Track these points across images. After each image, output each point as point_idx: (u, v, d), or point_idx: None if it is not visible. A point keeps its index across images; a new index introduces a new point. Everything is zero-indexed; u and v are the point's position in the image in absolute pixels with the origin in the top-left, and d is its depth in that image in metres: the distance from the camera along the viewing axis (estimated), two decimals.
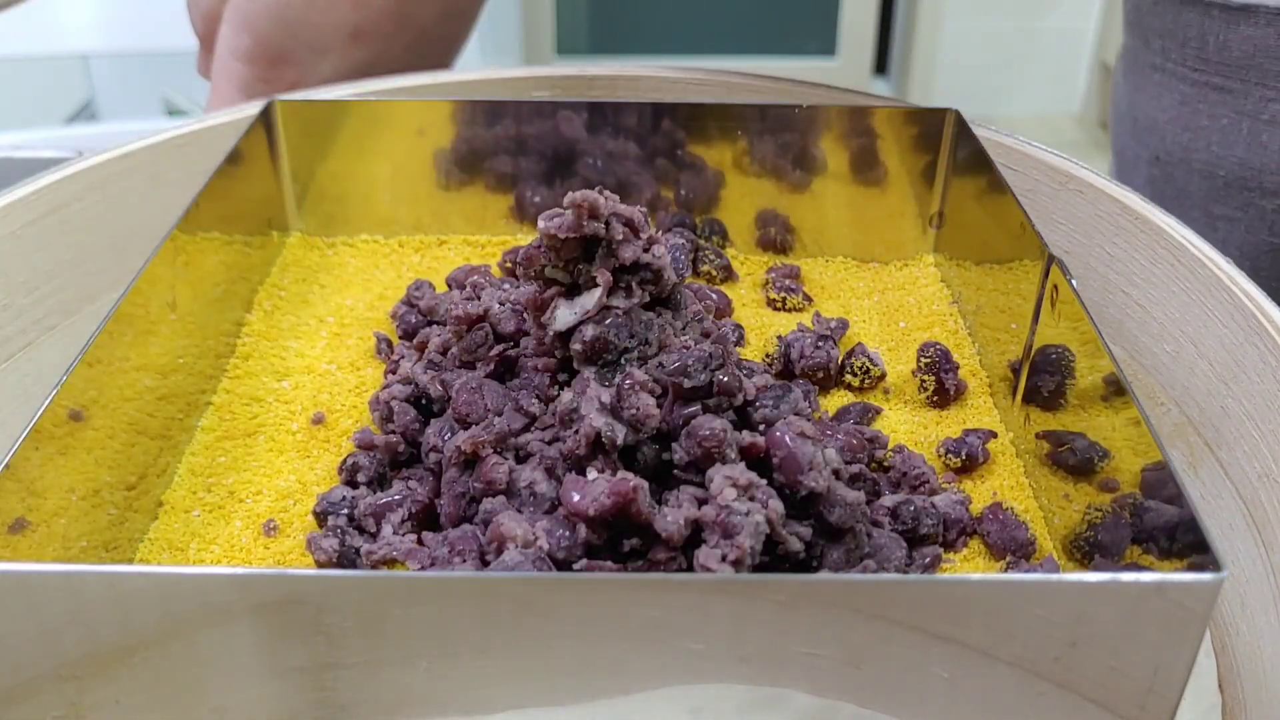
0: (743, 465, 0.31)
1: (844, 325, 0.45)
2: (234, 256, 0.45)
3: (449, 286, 0.47)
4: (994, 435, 0.39)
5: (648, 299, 0.35)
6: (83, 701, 0.26)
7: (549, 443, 0.34)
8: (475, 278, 0.42)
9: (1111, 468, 0.32)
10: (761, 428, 0.33)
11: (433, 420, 0.37)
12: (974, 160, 0.46)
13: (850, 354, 0.42)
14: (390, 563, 0.33)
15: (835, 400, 0.42)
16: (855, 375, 0.42)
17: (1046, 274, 0.37)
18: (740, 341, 0.44)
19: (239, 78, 0.57)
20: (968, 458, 0.38)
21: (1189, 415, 0.39)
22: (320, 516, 0.34)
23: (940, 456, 0.38)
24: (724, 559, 0.29)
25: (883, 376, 0.43)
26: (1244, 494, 0.35)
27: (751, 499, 0.30)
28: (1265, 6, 0.53)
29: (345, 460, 0.36)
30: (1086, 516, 0.33)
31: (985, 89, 1.90)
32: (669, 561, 0.30)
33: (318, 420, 0.39)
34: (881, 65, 2.05)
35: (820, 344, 0.42)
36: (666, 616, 0.25)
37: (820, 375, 0.42)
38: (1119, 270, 0.43)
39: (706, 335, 0.36)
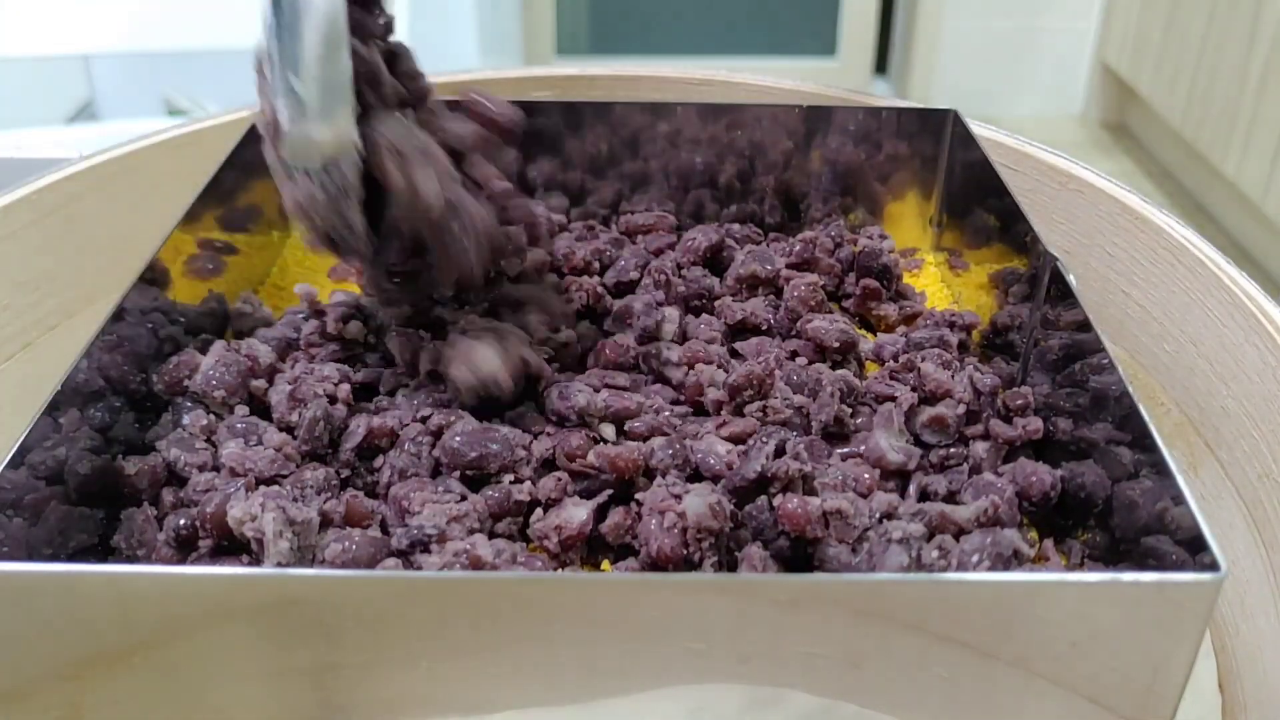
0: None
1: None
2: (234, 257, 0.45)
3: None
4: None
5: None
6: (83, 701, 0.26)
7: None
8: None
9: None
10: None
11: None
12: (974, 160, 0.46)
13: None
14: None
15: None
16: None
17: (1047, 274, 0.37)
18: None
19: None
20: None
21: (1189, 415, 0.39)
22: None
23: None
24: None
25: None
26: (1244, 494, 0.35)
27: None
28: None
29: None
30: None
31: (985, 89, 1.90)
32: None
33: None
34: (881, 65, 2.05)
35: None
36: (666, 616, 0.25)
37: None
38: (1119, 270, 0.43)
39: None
